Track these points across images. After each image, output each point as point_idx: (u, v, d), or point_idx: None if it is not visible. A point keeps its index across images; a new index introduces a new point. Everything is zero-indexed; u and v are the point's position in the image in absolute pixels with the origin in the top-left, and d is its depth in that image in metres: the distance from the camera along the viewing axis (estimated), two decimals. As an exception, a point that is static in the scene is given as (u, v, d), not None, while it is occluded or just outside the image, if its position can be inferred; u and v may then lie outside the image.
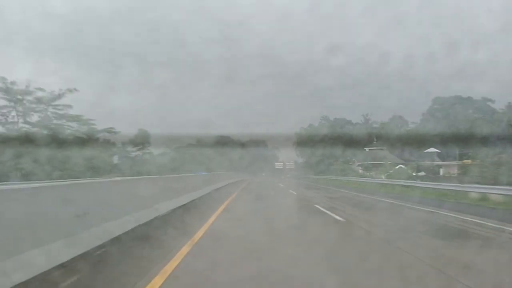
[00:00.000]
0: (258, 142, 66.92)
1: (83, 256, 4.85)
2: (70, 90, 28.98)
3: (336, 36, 70.06)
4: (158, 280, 4.45)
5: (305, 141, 58.65)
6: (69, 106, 29.15)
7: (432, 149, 45.84)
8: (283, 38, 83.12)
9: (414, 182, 24.54)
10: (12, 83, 27.14)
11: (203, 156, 47.90)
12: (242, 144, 61.63)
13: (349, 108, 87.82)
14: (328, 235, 8.30)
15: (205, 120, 70.45)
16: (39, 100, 28.08)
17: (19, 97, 27.37)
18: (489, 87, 71.20)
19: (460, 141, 41.90)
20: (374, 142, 49.01)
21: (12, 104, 27.55)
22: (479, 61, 65.16)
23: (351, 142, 51.11)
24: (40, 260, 4.12)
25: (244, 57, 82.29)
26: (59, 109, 29.07)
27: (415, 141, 47.82)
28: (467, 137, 40.23)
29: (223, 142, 54.06)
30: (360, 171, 45.55)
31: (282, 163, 69.10)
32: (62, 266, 4.39)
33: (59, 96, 28.86)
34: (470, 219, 10.53)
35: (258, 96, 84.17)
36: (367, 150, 49.59)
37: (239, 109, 76.59)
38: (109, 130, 34.46)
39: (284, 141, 62.28)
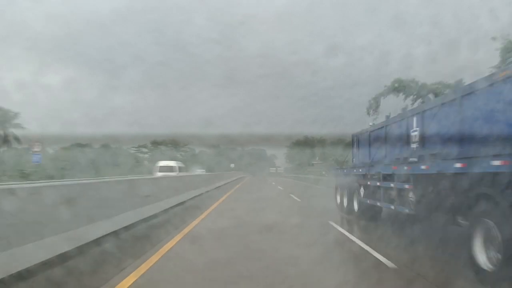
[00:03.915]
0: (257, 147, 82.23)
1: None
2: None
3: (336, 36, 71.29)
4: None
5: (292, 152, 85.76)
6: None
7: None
8: (283, 38, 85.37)
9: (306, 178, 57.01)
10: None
11: (204, 155, 69.26)
12: (242, 147, 77.38)
13: (347, 108, 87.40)
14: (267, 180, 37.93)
15: (205, 120, 73.07)
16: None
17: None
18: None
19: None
20: (317, 158, 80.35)
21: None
22: (479, 61, 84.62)
23: (311, 156, 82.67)
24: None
25: (244, 57, 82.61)
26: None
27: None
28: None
29: (223, 143, 69.84)
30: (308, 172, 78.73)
31: (275, 168, 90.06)
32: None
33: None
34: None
35: (258, 96, 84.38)
36: (313, 163, 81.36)
37: (239, 109, 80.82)
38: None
39: (283, 141, 72.08)
